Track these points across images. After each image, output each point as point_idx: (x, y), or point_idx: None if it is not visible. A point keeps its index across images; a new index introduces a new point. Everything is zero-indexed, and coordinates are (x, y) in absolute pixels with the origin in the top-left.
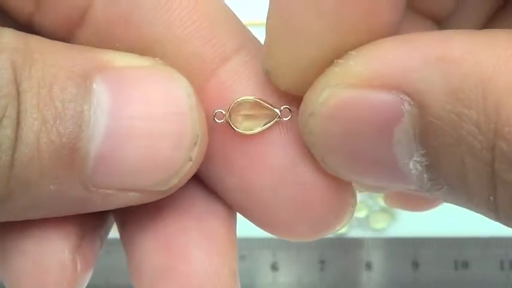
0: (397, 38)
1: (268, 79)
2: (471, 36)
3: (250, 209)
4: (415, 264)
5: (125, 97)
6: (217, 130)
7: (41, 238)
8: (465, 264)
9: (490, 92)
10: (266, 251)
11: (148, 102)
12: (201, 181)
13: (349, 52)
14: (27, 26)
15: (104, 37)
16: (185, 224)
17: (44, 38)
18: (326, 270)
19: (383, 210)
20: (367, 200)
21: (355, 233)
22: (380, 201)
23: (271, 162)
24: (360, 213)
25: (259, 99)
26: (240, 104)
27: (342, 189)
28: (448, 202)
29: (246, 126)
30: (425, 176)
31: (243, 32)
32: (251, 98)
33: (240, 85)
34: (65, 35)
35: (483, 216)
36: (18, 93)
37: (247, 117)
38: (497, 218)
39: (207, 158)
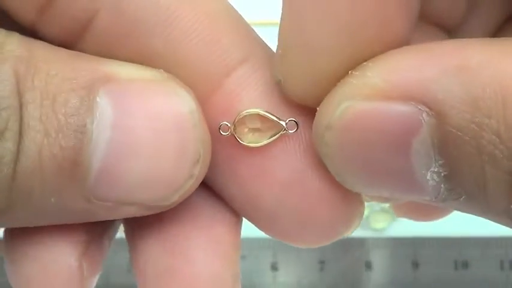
0: (412, 48)
1: (280, 89)
2: (488, 45)
3: (257, 218)
4: (415, 264)
5: (127, 112)
6: (223, 141)
7: (48, 244)
8: (465, 264)
9: (510, 101)
10: (266, 251)
11: (151, 118)
12: (209, 187)
13: (365, 63)
14: (31, 30)
15: (107, 48)
16: (191, 228)
17: (48, 45)
18: (326, 270)
19: (383, 210)
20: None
21: (355, 232)
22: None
23: (277, 174)
24: None
25: (265, 111)
26: (245, 116)
27: (349, 199)
28: (462, 211)
29: (252, 138)
30: (442, 186)
31: (249, 39)
32: (257, 110)
33: (246, 96)
34: (67, 43)
35: None
36: (21, 105)
37: (253, 129)
38: None
39: (214, 167)
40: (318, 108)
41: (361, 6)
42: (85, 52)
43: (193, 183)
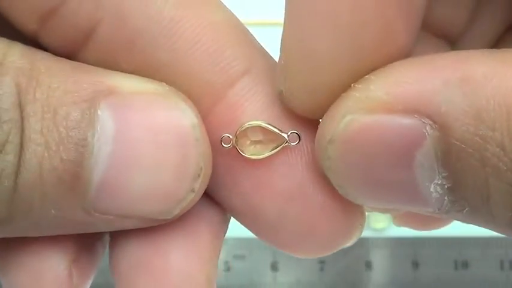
0: (415, 61)
1: (281, 100)
2: (490, 57)
3: (258, 229)
4: (415, 264)
5: (129, 125)
6: (225, 153)
7: (38, 252)
8: (465, 264)
9: None
10: (266, 251)
11: (152, 132)
12: None
13: (367, 76)
14: (33, 39)
15: (110, 58)
16: (170, 225)
17: (50, 56)
18: (326, 270)
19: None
20: None
21: None
22: None
23: (278, 186)
24: None
25: (267, 123)
26: (247, 128)
27: (350, 211)
28: (466, 223)
29: (254, 150)
30: (446, 198)
31: (251, 50)
32: (258, 122)
33: (249, 108)
34: (68, 55)
35: None
36: (22, 118)
37: (255, 141)
38: None
39: (215, 179)
40: (320, 121)
41: (363, 18)
42: (87, 62)
43: (194, 197)
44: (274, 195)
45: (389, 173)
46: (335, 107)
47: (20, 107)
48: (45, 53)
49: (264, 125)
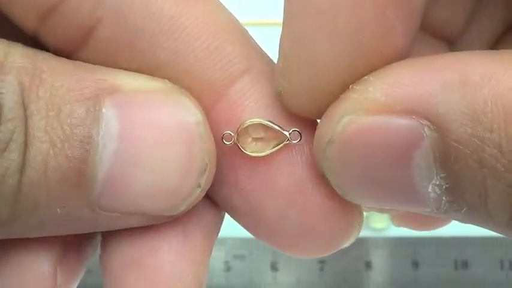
0: (413, 62)
1: (280, 100)
2: (488, 58)
3: (258, 229)
4: (415, 264)
5: (133, 123)
6: (226, 151)
7: (21, 249)
8: (465, 264)
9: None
10: (266, 251)
11: (157, 129)
12: None
13: (366, 77)
14: (34, 39)
15: (110, 57)
16: (162, 224)
17: (52, 56)
18: (326, 270)
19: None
20: None
21: None
22: None
23: (279, 184)
24: None
25: (269, 121)
26: (249, 126)
27: (349, 210)
28: (464, 222)
29: (255, 148)
30: (444, 198)
31: (251, 50)
32: (260, 120)
33: (250, 106)
34: (68, 53)
35: None
36: (26, 117)
37: (256, 139)
38: None
39: (216, 177)
40: (319, 122)
41: (362, 19)
42: (87, 61)
43: (199, 193)
44: (275, 193)
45: (387, 174)
46: (333, 108)
47: (24, 105)
48: (46, 53)
49: (265, 122)
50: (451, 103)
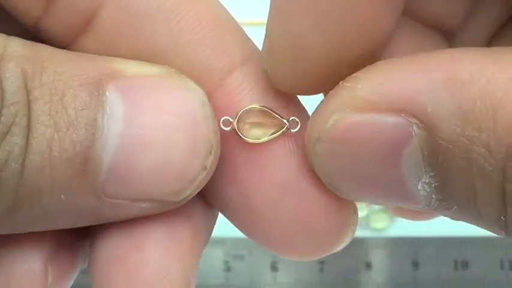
0: (403, 60)
1: (267, 77)
2: (480, 56)
3: (250, 223)
4: (415, 264)
5: (138, 106)
6: (224, 139)
7: (11, 245)
8: (465, 264)
9: (500, 115)
10: (266, 251)
11: (162, 111)
12: None
13: (356, 74)
14: (32, 33)
15: (110, 45)
16: (152, 221)
17: (51, 47)
18: (326, 270)
19: (383, 210)
20: None
21: (355, 232)
22: None
23: (274, 173)
24: (360, 213)
25: (268, 108)
26: (247, 113)
27: (343, 206)
28: (455, 220)
29: (253, 135)
30: (433, 196)
31: (248, 42)
32: (259, 106)
33: (248, 95)
34: (69, 40)
35: None
36: (29, 101)
37: (254, 126)
38: (508, 235)
39: None
40: (309, 118)
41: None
42: (89, 49)
43: (206, 175)
44: (270, 182)
45: (376, 171)
46: (323, 105)
47: (27, 91)
48: (46, 45)
49: (265, 108)
50: (439, 102)
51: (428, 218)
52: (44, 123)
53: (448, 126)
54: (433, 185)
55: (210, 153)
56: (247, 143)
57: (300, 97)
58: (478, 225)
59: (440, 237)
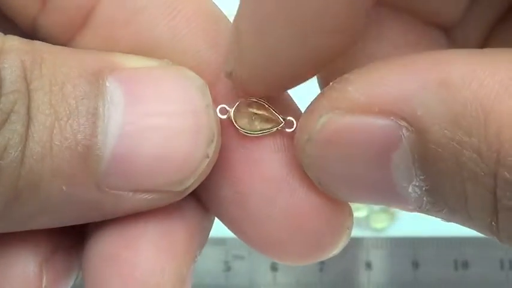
0: (394, 62)
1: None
2: (472, 58)
3: (244, 223)
4: (415, 264)
5: (138, 95)
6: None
7: (6, 248)
8: (465, 264)
9: (491, 120)
10: None
11: (163, 100)
12: None
13: (346, 75)
14: (29, 35)
15: (107, 40)
16: (145, 217)
17: (49, 44)
18: (326, 270)
19: (383, 210)
20: None
21: (355, 232)
22: None
23: (268, 171)
24: (360, 213)
25: (266, 102)
26: (244, 106)
27: (338, 208)
28: (447, 221)
29: (248, 128)
30: (424, 199)
31: None
32: (258, 99)
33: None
34: (67, 38)
35: None
36: (29, 91)
37: (250, 120)
38: (499, 240)
39: None
40: (300, 119)
41: (325, 5)
42: (86, 46)
43: (208, 164)
44: (263, 180)
45: (366, 173)
46: (313, 106)
47: (26, 81)
48: (43, 42)
49: (263, 101)
50: (430, 105)
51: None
52: (45, 113)
53: (438, 130)
54: (424, 188)
55: (212, 141)
56: (243, 138)
57: (293, 96)
58: (470, 228)
59: (440, 237)
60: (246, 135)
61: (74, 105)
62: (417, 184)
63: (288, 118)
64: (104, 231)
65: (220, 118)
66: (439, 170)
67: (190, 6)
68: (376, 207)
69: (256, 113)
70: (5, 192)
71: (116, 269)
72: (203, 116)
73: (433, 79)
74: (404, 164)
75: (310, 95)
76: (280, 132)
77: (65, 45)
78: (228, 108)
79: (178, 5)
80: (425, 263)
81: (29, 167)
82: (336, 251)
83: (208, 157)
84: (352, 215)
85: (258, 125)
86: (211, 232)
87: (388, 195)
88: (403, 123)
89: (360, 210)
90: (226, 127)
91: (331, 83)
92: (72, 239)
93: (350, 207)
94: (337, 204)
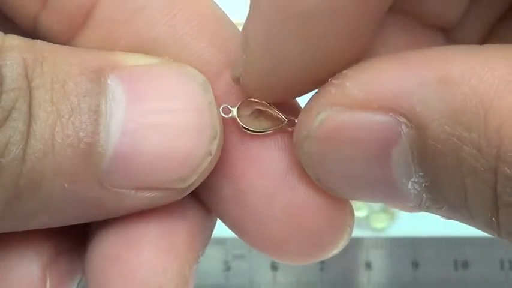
0: (393, 58)
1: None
2: (471, 55)
3: (243, 221)
4: (415, 264)
5: (140, 92)
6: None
7: (10, 250)
8: (465, 264)
9: (491, 115)
10: None
11: (165, 97)
12: None
13: (345, 72)
14: (29, 33)
15: (107, 38)
16: (146, 218)
17: (50, 43)
18: (326, 270)
19: (383, 210)
20: None
21: (355, 232)
22: None
23: (269, 167)
24: (360, 213)
25: (268, 103)
26: (247, 105)
27: (338, 206)
28: (447, 219)
29: (251, 127)
30: (424, 195)
31: None
32: (261, 100)
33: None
34: (67, 37)
35: None
36: (30, 89)
37: (254, 119)
38: (500, 236)
39: None
40: (298, 116)
41: (335, 26)
42: (87, 45)
43: (210, 162)
44: (263, 176)
45: (365, 170)
46: (311, 102)
47: (27, 79)
48: (44, 41)
49: (265, 103)
50: (429, 101)
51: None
52: (46, 110)
53: (438, 125)
54: (423, 185)
55: (215, 138)
56: (243, 136)
57: None
58: (470, 225)
59: (440, 237)
60: (248, 133)
61: (76, 103)
62: (417, 181)
63: (291, 118)
64: (105, 232)
65: (223, 116)
66: (439, 166)
67: (190, 5)
68: (376, 207)
69: (259, 112)
70: (6, 190)
71: (117, 270)
72: (206, 113)
73: (433, 75)
74: (403, 160)
75: (311, 94)
76: (281, 130)
77: (66, 45)
78: (230, 107)
79: (178, 4)
80: (425, 263)
81: (31, 164)
82: (336, 250)
83: (210, 154)
84: (354, 214)
85: (260, 123)
86: None
87: (387, 192)
88: (402, 119)
89: (360, 210)
90: (225, 125)
91: (329, 80)
92: (75, 242)
93: (351, 205)
94: (338, 203)
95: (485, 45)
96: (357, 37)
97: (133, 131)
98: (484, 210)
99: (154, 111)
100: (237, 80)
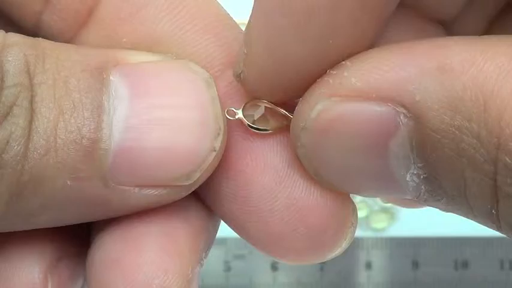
0: (392, 48)
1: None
2: (471, 44)
3: (244, 217)
4: (415, 264)
5: (143, 88)
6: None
7: (11, 254)
8: (465, 264)
9: (491, 105)
10: None
11: (168, 93)
12: None
13: (343, 62)
14: (31, 32)
15: (110, 36)
16: (148, 218)
17: (52, 41)
18: (326, 270)
19: (383, 210)
20: (367, 200)
21: (355, 232)
22: (380, 201)
23: (270, 163)
24: (360, 213)
25: (272, 103)
26: (252, 104)
27: (341, 203)
28: (446, 211)
29: (257, 125)
30: (423, 187)
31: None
32: (266, 102)
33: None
34: (70, 35)
35: None
36: (32, 85)
37: (258, 117)
38: (499, 228)
39: None
40: (296, 108)
41: (336, 23)
42: (90, 43)
43: (215, 157)
44: (265, 173)
45: (363, 162)
46: (309, 93)
47: (29, 75)
48: (46, 39)
49: (270, 104)
50: (428, 91)
51: (419, 206)
52: (48, 106)
53: (437, 115)
54: (422, 176)
55: (219, 134)
56: (245, 133)
57: None
58: (469, 218)
59: (440, 237)
60: (251, 131)
61: (78, 99)
62: (415, 172)
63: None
64: (107, 234)
65: (229, 118)
66: (438, 157)
67: (193, 3)
68: (376, 207)
69: (264, 109)
70: (8, 187)
71: (119, 271)
72: (209, 109)
73: (432, 65)
74: (402, 151)
75: None
76: (287, 128)
77: (70, 42)
78: (235, 110)
79: (181, 1)
80: (425, 263)
81: (33, 161)
82: (339, 250)
83: (215, 150)
84: (357, 212)
85: (265, 121)
86: None
87: (385, 184)
88: (401, 109)
89: (360, 210)
90: (232, 127)
91: (328, 71)
92: (77, 246)
93: (354, 204)
94: (340, 200)
95: (485, 36)
96: (360, 34)
97: (137, 127)
98: (483, 201)
99: (157, 107)
100: (238, 77)
